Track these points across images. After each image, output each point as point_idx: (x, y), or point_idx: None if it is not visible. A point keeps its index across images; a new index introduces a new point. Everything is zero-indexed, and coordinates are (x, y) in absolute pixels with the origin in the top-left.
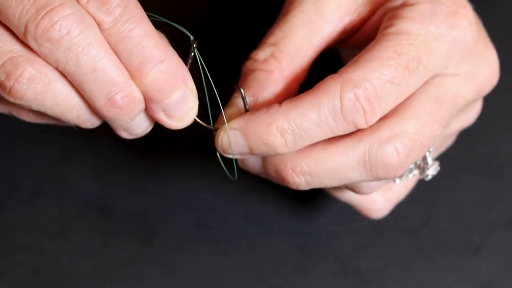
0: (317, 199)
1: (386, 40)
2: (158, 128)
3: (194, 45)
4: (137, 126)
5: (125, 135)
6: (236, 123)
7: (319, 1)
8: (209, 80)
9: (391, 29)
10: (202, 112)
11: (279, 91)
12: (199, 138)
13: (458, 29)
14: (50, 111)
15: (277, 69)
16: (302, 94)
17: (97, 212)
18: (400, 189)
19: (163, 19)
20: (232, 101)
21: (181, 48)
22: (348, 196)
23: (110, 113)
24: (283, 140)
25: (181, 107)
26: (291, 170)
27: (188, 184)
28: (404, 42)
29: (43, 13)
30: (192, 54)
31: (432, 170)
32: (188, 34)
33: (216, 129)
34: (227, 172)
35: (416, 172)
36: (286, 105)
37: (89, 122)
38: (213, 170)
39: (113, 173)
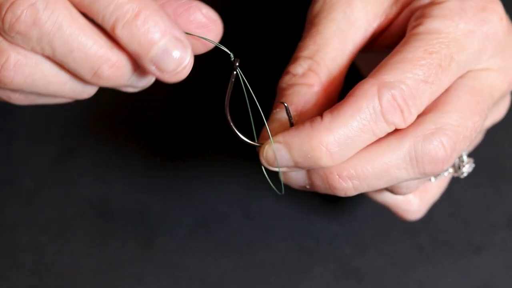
0: (317, 199)
1: (416, 40)
2: (158, 128)
3: (237, 64)
4: (137, 81)
5: (130, 90)
6: (281, 137)
7: (348, 8)
8: (253, 97)
9: (421, 28)
10: (245, 129)
11: (320, 103)
12: (199, 138)
13: (488, 24)
14: (43, 90)
15: (316, 82)
16: (340, 104)
17: (97, 212)
18: (435, 190)
19: (202, 37)
20: (273, 116)
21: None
22: (385, 198)
23: (101, 83)
24: (329, 154)
25: (170, 59)
26: (337, 176)
27: (188, 184)
28: (435, 41)
29: (6, 7)
30: (235, 72)
31: (468, 167)
32: (229, 52)
33: (260, 145)
34: (274, 187)
35: (451, 170)
36: (327, 118)
37: (85, 93)
38: (213, 170)
39: (113, 173)
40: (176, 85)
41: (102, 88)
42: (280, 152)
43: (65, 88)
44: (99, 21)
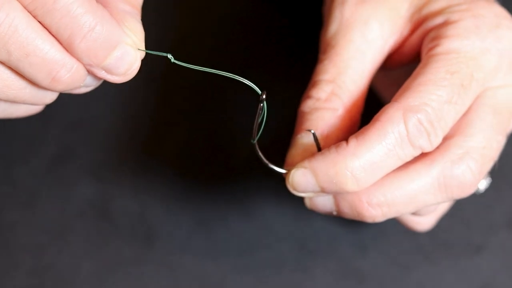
0: None
1: (436, 61)
2: (158, 128)
3: (264, 96)
4: (91, 81)
5: (83, 90)
6: (307, 162)
7: (365, 28)
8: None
9: (439, 49)
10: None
11: (345, 126)
12: (199, 138)
13: (503, 41)
14: (2, 95)
15: (340, 106)
16: (365, 129)
17: (97, 212)
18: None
19: (229, 74)
20: (297, 141)
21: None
22: None
23: (59, 88)
24: (354, 179)
25: (122, 65)
26: (367, 204)
27: (188, 184)
28: (454, 60)
29: None
30: (261, 104)
31: (484, 183)
32: (256, 88)
33: (287, 171)
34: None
35: None
36: (352, 143)
37: (47, 98)
38: (214, 170)
39: (113, 173)
40: (176, 85)
41: (102, 88)
42: (306, 178)
43: (25, 93)
44: (53, 32)
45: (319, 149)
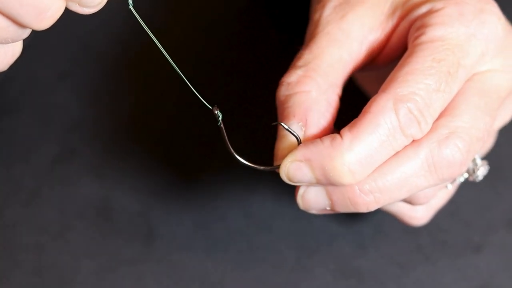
0: None
1: (422, 50)
2: (158, 128)
3: (216, 111)
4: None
5: (86, 11)
6: (301, 155)
7: (343, 22)
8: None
9: (424, 38)
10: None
11: (322, 108)
12: (199, 138)
13: (488, 26)
14: None
15: (313, 87)
16: (358, 121)
17: (97, 212)
18: (442, 194)
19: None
20: (281, 133)
21: None
22: (390, 206)
23: (43, 26)
24: (351, 172)
25: None
26: (359, 191)
27: (188, 183)
28: (440, 48)
29: None
30: (220, 119)
31: (482, 170)
32: (209, 105)
33: (278, 167)
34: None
35: (466, 174)
36: (347, 137)
37: (26, 33)
38: (213, 170)
39: (113, 173)
40: (177, 86)
41: (102, 88)
42: (302, 171)
43: (8, 31)
44: None
45: (298, 139)
